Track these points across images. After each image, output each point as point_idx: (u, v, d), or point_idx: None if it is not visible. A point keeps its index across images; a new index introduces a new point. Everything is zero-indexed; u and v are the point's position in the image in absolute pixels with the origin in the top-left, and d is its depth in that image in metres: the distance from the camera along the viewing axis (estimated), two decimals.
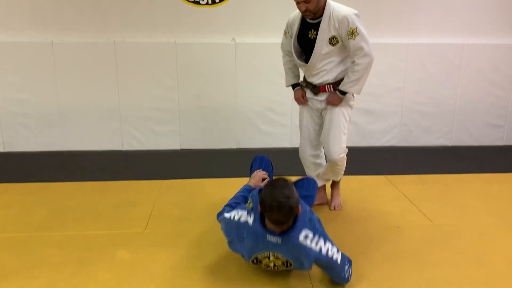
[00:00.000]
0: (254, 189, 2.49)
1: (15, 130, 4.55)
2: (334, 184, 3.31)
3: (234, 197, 2.48)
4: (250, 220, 2.15)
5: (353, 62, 2.74)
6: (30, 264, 2.49)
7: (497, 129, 4.97)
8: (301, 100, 3.02)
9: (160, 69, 4.51)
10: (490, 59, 4.74)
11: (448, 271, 2.45)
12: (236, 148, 4.73)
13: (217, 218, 2.40)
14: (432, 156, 4.61)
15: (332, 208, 3.20)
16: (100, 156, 4.51)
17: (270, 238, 2.07)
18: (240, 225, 2.17)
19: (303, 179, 2.73)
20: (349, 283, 2.24)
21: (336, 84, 2.85)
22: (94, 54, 4.43)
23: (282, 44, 3.05)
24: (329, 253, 2.11)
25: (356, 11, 2.69)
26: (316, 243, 2.09)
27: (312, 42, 2.77)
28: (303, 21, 2.82)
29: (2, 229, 2.90)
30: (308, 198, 2.55)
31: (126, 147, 4.69)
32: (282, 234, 2.06)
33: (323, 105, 2.94)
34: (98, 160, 4.38)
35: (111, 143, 4.67)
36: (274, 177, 2.23)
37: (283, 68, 3.14)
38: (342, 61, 2.82)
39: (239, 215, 2.21)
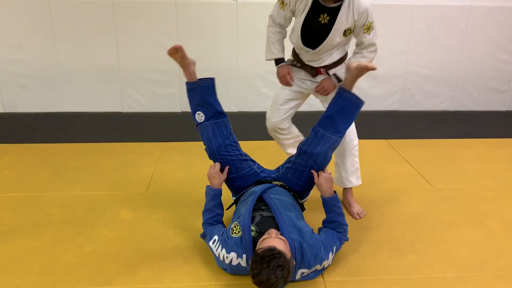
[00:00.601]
0: (218, 189, 2.29)
1: (14, 91, 4.51)
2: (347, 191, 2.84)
3: (208, 210, 2.25)
4: (243, 262, 1.97)
5: (359, 53, 2.53)
6: (34, 222, 2.52)
7: (500, 94, 4.92)
8: (287, 78, 2.62)
9: (160, 30, 4.42)
10: (497, 22, 4.63)
11: (446, 233, 2.49)
12: (237, 112, 4.71)
13: (201, 236, 2.25)
14: (434, 120, 4.59)
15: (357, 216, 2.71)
16: (100, 118, 4.49)
17: None
18: (232, 266, 2.01)
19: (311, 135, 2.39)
20: (347, 244, 2.26)
21: (330, 67, 2.60)
22: (93, 14, 4.33)
23: (274, 15, 2.60)
24: (325, 266, 2.09)
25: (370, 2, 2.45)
26: (315, 272, 2.03)
27: (323, 27, 2.44)
28: (315, 0, 2.44)
29: (6, 189, 2.93)
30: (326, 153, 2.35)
31: (126, 109, 4.66)
32: None
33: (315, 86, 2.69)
34: (98, 122, 4.37)
35: (111, 105, 4.64)
36: (264, 246, 1.82)
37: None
38: (344, 47, 2.61)
39: (229, 257, 1.99)
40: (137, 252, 2.25)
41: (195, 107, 2.44)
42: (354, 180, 2.72)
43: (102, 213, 2.64)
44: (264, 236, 1.90)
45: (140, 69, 4.53)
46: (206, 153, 2.41)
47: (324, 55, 2.55)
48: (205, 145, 2.40)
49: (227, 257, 1.98)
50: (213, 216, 2.22)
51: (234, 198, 2.46)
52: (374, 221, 2.60)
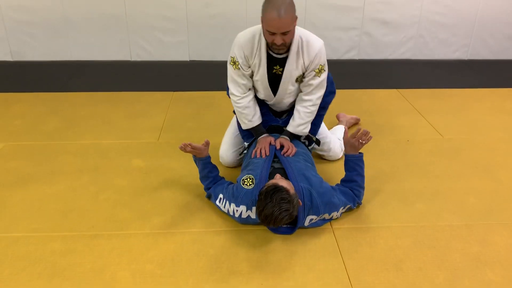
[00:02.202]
0: (206, 156, 2.21)
1: (22, 39, 4.46)
2: None
3: (204, 177, 2.24)
4: (253, 214, 2.00)
5: (309, 100, 2.32)
6: (49, 171, 2.58)
7: None
8: (264, 152, 2.25)
9: None
10: None
11: (454, 183, 2.51)
12: None
13: (206, 197, 2.29)
14: (446, 70, 4.50)
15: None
16: (108, 66, 4.45)
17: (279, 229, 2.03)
18: (242, 219, 2.04)
19: None
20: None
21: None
22: None
23: (233, 81, 2.33)
24: (334, 217, 2.11)
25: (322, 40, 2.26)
26: (323, 219, 2.06)
27: (278, 78, 2.28)
28: (267, 53, 2.22)
29: (19, 137, 2.97)
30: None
31: (135, 57, 4.61)
32: (288, 225, 2.03)
33: None
34: (106, 71, 4.34)
35: (119, 53, 4.59)
36: (268, 184, 1.88)
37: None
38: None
39: (239, 210, 2.02)
40: (150, 200, 2.31)
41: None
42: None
43: (114, 161, 2.69)
44: (269, 181, 1.95)
45: (147, 16, 4.43)
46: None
47: (286, 103, 2.43)
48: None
49: (236, 211, 2.03)
50: (211, 181, 2.23)
51: (245, 145, 2.48)
52: (383, 170, 2.62)
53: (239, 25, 4.46)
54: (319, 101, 2.35)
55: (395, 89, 3.88)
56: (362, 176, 2.20)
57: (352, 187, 2.17)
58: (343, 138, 2.23)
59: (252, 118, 2.36)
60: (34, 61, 4.52)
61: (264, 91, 2.36)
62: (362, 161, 2.19)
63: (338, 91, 3.50)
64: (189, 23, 4.49)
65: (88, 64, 4.48)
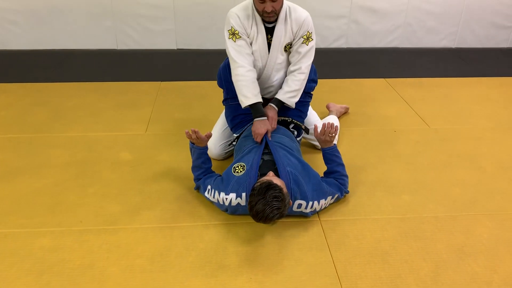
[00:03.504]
0: (204, 146, 2.22)
1: (4, 27, 4.36)
2: None
3: (196, 166, 2.25)
4: (242, 201, 2.02)
5: (298, 69, 2.34)
6: (36, 164, 2.56)
7: (503, 30, 4.80)
8: (260, 138, 2.24)
9: None
10: None
11: (440, 173, 2.55)
12: None
13: (195, 189, 2.30)
14: (434, 58, 4.52)
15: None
16: (94, 55, 4.39)
17: None
18: (232, 207, 2.06)
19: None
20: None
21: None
22: None
23: (236, 52, 2.27)
24: (323, 206, 2.14)
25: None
26: (311, 207, 2.06)
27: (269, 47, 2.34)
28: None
29: (5, 129, 2.93)
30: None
31: (121, 46, 4.55)
32: None
33: None
34: (93, 60, 4.28)
35: (105, 42, 4.52)
36: (262, 180, 1.88)
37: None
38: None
39: (228, 198, 2.03)
40: (138, 193, 2.31)
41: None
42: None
43: (102, 154, 2.67)
44: (263, 178, 1.96)
45: (133, 3, 4.36)
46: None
47: (272, 84, 2.44)
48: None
49: (226, 199, 2.04)
50: (203, 172, 2.24)
51: (235, 135, 2.48)
52: (370, 161, 2.64)
53: (227, 12, 4.44)
54: (307, 70, 2.37)
55: (382, 79, 3.90)
56: (342, 165, 2.25)
57: (336, 177, 2.22)
58: (314, 135, 2.25)
59: (258, 93, 2.32)
60: (18, 50, 4.43)
61: (261, 60, 2.36)
62: (338, 151, 2.25)
63: (327, 81, 3.51)
64: (176, 11, 4.44)
65: (74, 53, 4.41)
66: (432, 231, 2.08)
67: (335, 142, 2.64)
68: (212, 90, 3.50)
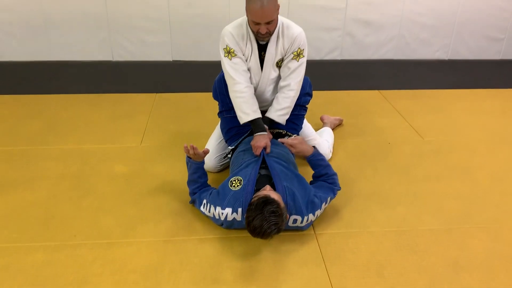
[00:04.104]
0: (201, 162, 2.21)
1: (0, 39, 4.36)
2: None
3: (192, 181, 2.23)
4: (238, 216, 2.00)
5: (287, 85, 2.35)
6: (29, 176, 2.54)
7: (496, 42, 4.86)
8: (259, 151, 2.23)
9: None
10: None
11: (434, 185, 2.55)
12: None
13: (190, 203, 2.29)
14: (428, 70, 4.56)
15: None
16: (90, 66, 4.39)
17: None
18: (227, 222, 2.04)
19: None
20: (339, 198, 2.32)
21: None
22: None
23: (232, 70, 2.30)
24: (319, 215, 2.13)
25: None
26: (307, 220, 2.05)
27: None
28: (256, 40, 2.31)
29: None
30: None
31: (116, 57, 4.56)
32: None
33: None
34: (88, 71, 4.28)
35: (100, 53, 4.53)
36: (259, 195, 1.88)
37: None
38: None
39: (224, 213, 2.02)
40: (133, 206, 2.30)
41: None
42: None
43: (97, 167, 2.66)
44: (260, 192, 1.95)
45: (129, 16, 4.38)
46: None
47: (268, 95, 2.46)
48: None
49: (222, 213, 2.03)
50: (198, 186, 2.23)
51: (230, 147, 2.48)
52: (364, 173, 2.65)
53: (222, 24, 4.38)
54: (296, 87, 2.37)
55: (376, 90, 3.92)
56: (329, 165, 2.27)
57: (326, 179, 2.23)
58: (292, 152, 2.29)
59: (257, 109, 2.34)
60: (13, 61, 4.43)
61: (254, 78, 2.39)
62: (320, 154, 2.27)
63: (322, 92, 3.53)
64: (171, 23, 4.46)
65: (69, 65, 4.41)
66: (427, 244, 2.08)
67: (328, 153, 2.65)
68: (207, 101, 3.50)
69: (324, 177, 2.24)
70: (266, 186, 2.00)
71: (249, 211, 1.83)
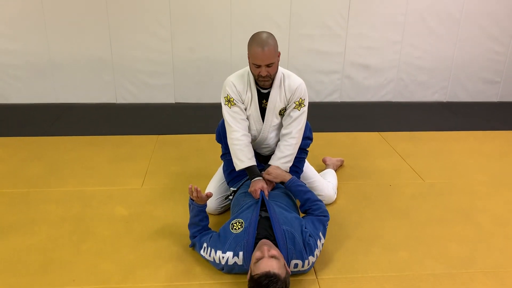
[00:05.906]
0: (204, 204, 2.22)
1: (6, 81, 4.47)
2: None
3: (193, 224, 2.23)
4: (239, 261, 1.99)
5: (289, 133, 2.41)
6: (29, 219, 2.54)
7: (493, 85, 4.96)
8: (258, 193, 2.26)
9: (153, 18, 4.38)
10: (490, 12, 4.64)
11: (436, 228, 2.54)
12: None
13: (190, 246, 2.28)
14: (426, 112, 4.63)
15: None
16: (93, 109, 4.47)
17: None
18: (228, 266, 2.02)
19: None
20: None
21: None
22: (85, 2, 4.27)
23: (231, 118, 2.37)
24: (318, 254, 2.11)
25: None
26: (308, 264, 2.04)
27: (265, 111, 2.44)
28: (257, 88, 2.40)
29: (0, 184, 2.92)
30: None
31: (120, 100, 4.64)
32: None
33: None
34: (91, 113, 4.35)
35: (104, 96, 4.62)
36: (262, 273, 1.77)
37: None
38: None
39: (225, 257, 2.01)
40: (132, 250, 2.28)
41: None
42: None
43: (97, 209, 2.66)
44: (257, 255, 1.85)
45: (133, 59, 4.50)
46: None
47: (271, 141, 2.52)
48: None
49: (222, 257, 2.01)
50: (199, 230, 2.22)
51: (232, 189, 2.49)
52: (366, 216, 2.64)
53: (224, 68, 4.58)
54: (298, 135, 2.42)
55: (376, 132, 3.96)
56: (309, 191, 2.30)
57: (310, 206, 2.22)
58: (271, 188, 2.36)
59: (252, 157, 2.41)
60: (18, 104, 4.52)
61: (255, 124, 2.46)
62: (298, 180, 2.32)
63: (322, 134, 3.57)
64: (174, 66, 4.57)
65: (73, 107, 4.49)
66: None
67: (333, 194, 2.65)
68: (209, 143, 3.55)
69: (308, 203, 2.24)
70: (264, 248, 1.87)
71: (250, 283, 1.79)
